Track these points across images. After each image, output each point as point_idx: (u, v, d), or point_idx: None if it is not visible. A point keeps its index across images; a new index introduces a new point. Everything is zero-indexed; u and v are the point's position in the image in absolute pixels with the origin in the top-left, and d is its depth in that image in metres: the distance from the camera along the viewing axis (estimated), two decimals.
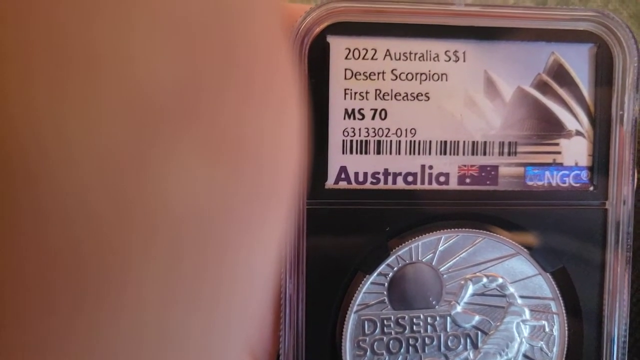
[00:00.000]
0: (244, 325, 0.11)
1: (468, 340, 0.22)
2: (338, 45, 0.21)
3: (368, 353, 0.21)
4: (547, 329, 0.22)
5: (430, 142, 0.21)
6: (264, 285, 0.11)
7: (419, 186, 0.21)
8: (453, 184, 0.21)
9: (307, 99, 0.20)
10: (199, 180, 0.09)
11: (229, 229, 0.10)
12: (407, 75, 0.21)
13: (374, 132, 0.21)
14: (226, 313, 0.11)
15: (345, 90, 0.21)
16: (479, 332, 0.22)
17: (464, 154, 0.21)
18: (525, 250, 0.22)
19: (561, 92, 0.21)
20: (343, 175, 0.21)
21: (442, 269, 0.21)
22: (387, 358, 0.21)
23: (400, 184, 0.21)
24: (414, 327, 0.21)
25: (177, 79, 0.09)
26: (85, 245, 0.08)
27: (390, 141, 0.21)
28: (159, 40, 0.08)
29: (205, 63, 0.09)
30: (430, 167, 0.21)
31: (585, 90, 0.21)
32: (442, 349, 0.22)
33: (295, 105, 0.11)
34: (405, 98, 0.21)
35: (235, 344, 0.12)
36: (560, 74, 0.21)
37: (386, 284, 0.21)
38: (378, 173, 0.21)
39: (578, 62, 0.21)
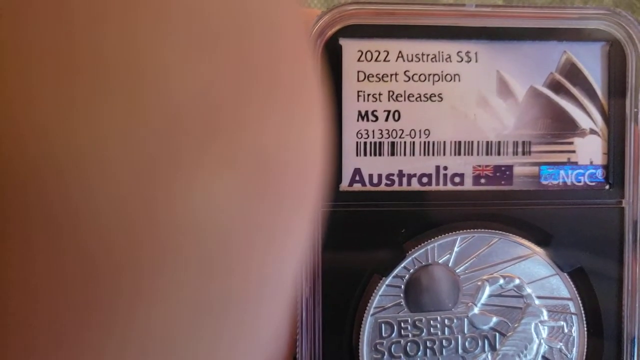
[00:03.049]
0: (267, 332, 0.11)
1: (486, 342, 0.21)
2: (350, 48, 0.21)
3: (385, 356, 0.21)
4: (565, 330, 0.22)
5: (444, 142, 0.21)
6: (285, 293, 0.11)
7: (433, 187, 0.21)
8: (468, 185, 0.21)
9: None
10: (225, 192, 0.09)
11: (255, 240, 0.10)
12: (419, 76, 0.21)
13: (387, 133, 0.21)
14: (253, 322, 0.11)
15: (358, 92, 0.21)
16: (497, 334, 0.21)
17: (478, 154, 0.21)
18: (541, 250, 0.21)
19: (574, 90, 0.21)
20: (357, 177, 0.21)
21: (459, 270, 0.21)
22: None
23: (415, 185, 0.21)
24: (431, 329, 0.21)
25: (205, 92, 0.09)
26: (116, 246, 0.08)
27: (404, 142, 0.21)
28: (190, 55, 0.09)
29: (232, 76, 0.09)
30: (445, 168, 0.21)
31: (599, 88, 0.21)
32: (460, 351, 0.21)
33: (319, 115, 0.11)
34: (418, 99, 0.21)
35: (258, 351, 0.12)
36: (572, 73, 0.21)
37: (402, 286, 0.21)
38: (392, 174, 0.21)
39: (590, 60, 0.21)
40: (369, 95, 0.21)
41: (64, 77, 0.08)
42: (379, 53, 0.21)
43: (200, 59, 0.09)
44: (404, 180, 0.21)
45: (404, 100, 0.21)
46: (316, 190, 0.11)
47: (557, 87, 0.21)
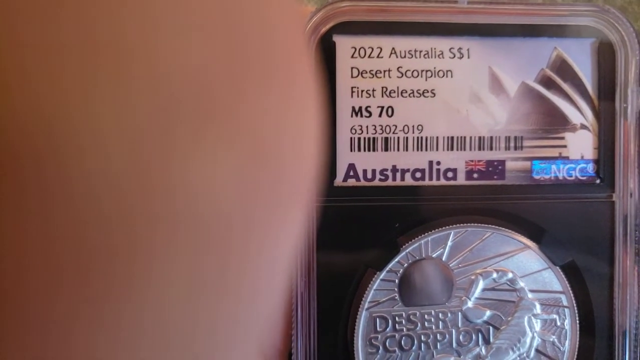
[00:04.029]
0: (262, 322, 0.11)
1: (480, 336, 0.22)
2: (344, 45, 0.21)
3: (380, 350, 0.21)
4: (558, 323, 0.22)
5: (437, 138, 0.21)
6: (281, 282, 0.11)
7: (427, 182, 0.21)
8: (461, 179, 0.21)
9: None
10: (222, 172, 0.09)
11: (252, 222, 0.10)
12: (412, 72, 0.21)
13: (381, 129, 0.21)
14: (249, 309, 0.11)
15: (352, 88, 0.21)
16: (491, 328, 0.22)
17: (470, 149, 0.21)
18: (534, 244, 0.22)
19: (565, 86, 0.22)
20: (352, 173, 0.21)
21: (452, 264, 0.21)
22: (399, 355, 0.21)
23: (408, 180, 0.21)
24: (426, 323, 0.21)
25: (201, 71, 0.09)
26: (113, 230, 0.08)
27: (398, 138, 0.21)
28: (182, 34, 0.09)
29: (226, 60, 0.09)
30: (438, 163, 0.21)
31: (589, 84, 0.22)
32: (454, 345, 0.21)
33: (313, 108, 0.11)
34: (411, 95, 0.21)
35: (253, 341, 0.12)
36: (563, 69, 0.22)
37: (397, 281, 0.21)
38: (386, 170, 0.21)
39: (580, 56, 0.21)
40: (362, 91, 0.21)
41: (57, 62, 0.08)
42: (372, 49, 0.21)
43: (193, 40, 0.09)
44: (398, 175, 0.21)
45: (397, 96, 0.21)
46: (311, 180, 0.11)
47: (548, 82, 0.22)
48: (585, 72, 0.22)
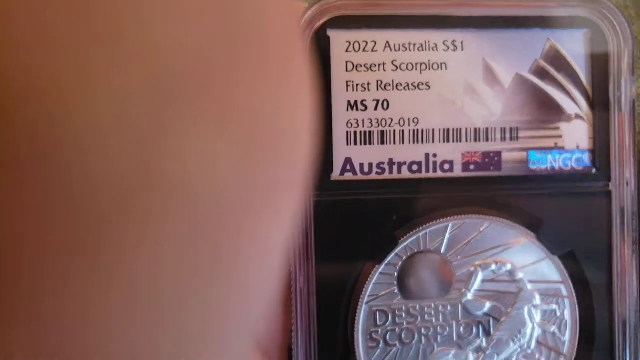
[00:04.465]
0: (257, 314, 0.11)
1: (480, 328, 0.22)
2: (338, 39, 0.21)
3: (381, 344, 0.21)
4: (558, 313, 0.22)
5: (433, 130, 0.21)
6: (275, 274, 0.11)
7: (424, 174, 0.21)
8: (457, 171, 0.21)
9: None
10: (217, 154, 0.09)
11: (246, 207, 0.10)
12: (407, 65, 0.21)
13: (377, 122, 0.21)
14: (241, 297, 0.11)
15: (347, 82, 0.21)
16: (491, 319, 0.22)
17: (467, 141, 0.21)
18: (531, 234, 0.22)
19: (559, 77, 0.22)
20: (348, 167, 0.21)
21: (451, 256, 0.21)
22: (400, 349, 0.21)
23: (405, 173, 0.21)
24: (426, 316, 0.21)
25: (195, 53, 0.09)
26: (106, 208, 0.08)
27: (394, 131, 0.21)
28: (177, 15, 0.09)
29: (221, 39, 0.09)
30: (435, 155, 0.21)
31: (583, 74, 0.22)
32: (455, 337, 0.21)
33: (308, 90, 0.11)
34: (406, 88, 0.21)
35: (246, 334, 0.12)
36: (557, 60, 0.22)
37: (396, 274, 0.21)
38: (383, 163, 0.21)
39: (574, 47, 0.22)
40: (357, 85, 0.21)
41: (49, 42, 0.08)
42: (367, 43, 0.21)
43: (189, 33, 0.09)
44: (395, 168, 0.21)
45: (393, 89, 0.21)
46: (307, 164, 0.11)
47: (542, 73, 0.22)
48: (579, 62, 0.22)
